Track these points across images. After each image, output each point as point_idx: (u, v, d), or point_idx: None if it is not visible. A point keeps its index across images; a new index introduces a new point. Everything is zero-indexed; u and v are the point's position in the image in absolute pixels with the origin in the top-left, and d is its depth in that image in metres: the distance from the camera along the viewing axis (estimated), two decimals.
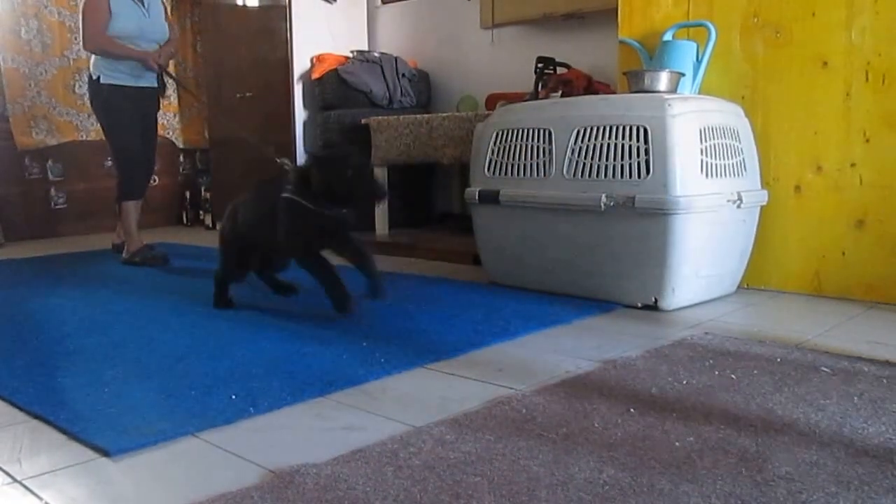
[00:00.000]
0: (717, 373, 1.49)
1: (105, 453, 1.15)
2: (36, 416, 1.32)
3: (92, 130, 4.28)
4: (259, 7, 4.10)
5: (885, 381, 1.43)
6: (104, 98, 2.99)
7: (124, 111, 3.00)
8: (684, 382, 1.43)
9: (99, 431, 1.22)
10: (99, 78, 2.97)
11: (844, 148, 2.13)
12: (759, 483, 1.01)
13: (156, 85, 3.09)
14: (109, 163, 4.38)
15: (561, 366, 1.55)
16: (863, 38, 1.91)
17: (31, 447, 1.20)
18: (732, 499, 0.96)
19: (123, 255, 3.08)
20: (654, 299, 2.05)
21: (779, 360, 1.56)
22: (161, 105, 3.25)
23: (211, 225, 4.51)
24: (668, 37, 2.41)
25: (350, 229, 2.06)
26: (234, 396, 1.37)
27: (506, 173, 2.35)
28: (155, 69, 3.02)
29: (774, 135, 2.28)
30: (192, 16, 4.78)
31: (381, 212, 3.56)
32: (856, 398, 1.33)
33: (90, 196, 4.30)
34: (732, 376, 1.46)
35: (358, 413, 1.31)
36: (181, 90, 4.35)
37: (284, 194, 1.98)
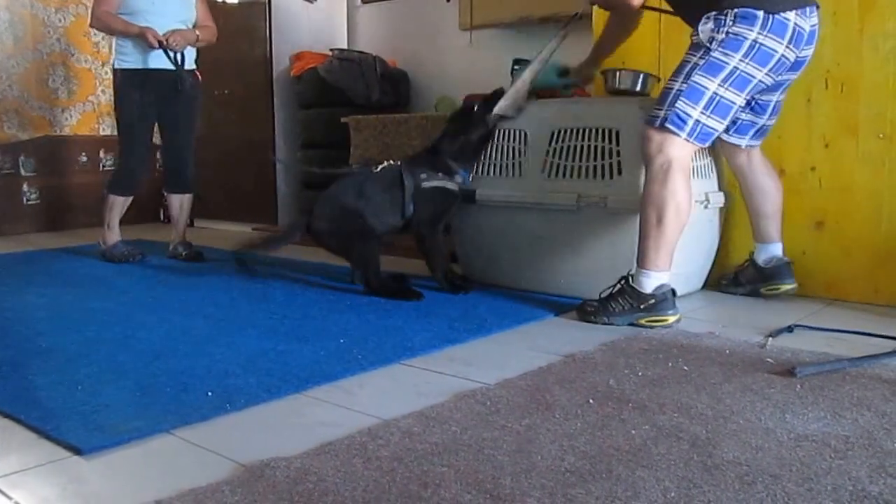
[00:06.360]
0: (670, 365, 1.55)
1: (77, 452, 1.14)
2: (6, 416, 1.29)
3: (66, 125, 4.21)
4: (239, 4, 4.08)
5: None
6: (116, 84, 2.88)
7: (131, 97, 2.85)
8: (640, 374, 1.49)
9: (71, 430, 1.21)
10: (114, 63, 2.88)
11: (805, 152, 2.20)
12: (709, 467, 1.07)
13: (172, 68, 2.81)
14: (84, 158, 4.29)
15: (530, 361, 1.59)
16: (822, 48, 1.98)
17: (0, 446, 1.18)
18: (685, 483, 1.02)
19: (100, 244, 3.01)
20: None
21: (727, 352, 1.63)
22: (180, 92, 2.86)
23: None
24: None
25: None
26: (210, 394, 1.39)
27: (482, 173, 2.39)
28: (155, 45, 2.75)
29: None
30: None
31: None
32: (798, 386, 1.41)
33: (64, 192, 4.20)
34: (685, 368, 1.53)
35: (334, 409, 1.34)
36: None
37: (426, 183, 2.05)
